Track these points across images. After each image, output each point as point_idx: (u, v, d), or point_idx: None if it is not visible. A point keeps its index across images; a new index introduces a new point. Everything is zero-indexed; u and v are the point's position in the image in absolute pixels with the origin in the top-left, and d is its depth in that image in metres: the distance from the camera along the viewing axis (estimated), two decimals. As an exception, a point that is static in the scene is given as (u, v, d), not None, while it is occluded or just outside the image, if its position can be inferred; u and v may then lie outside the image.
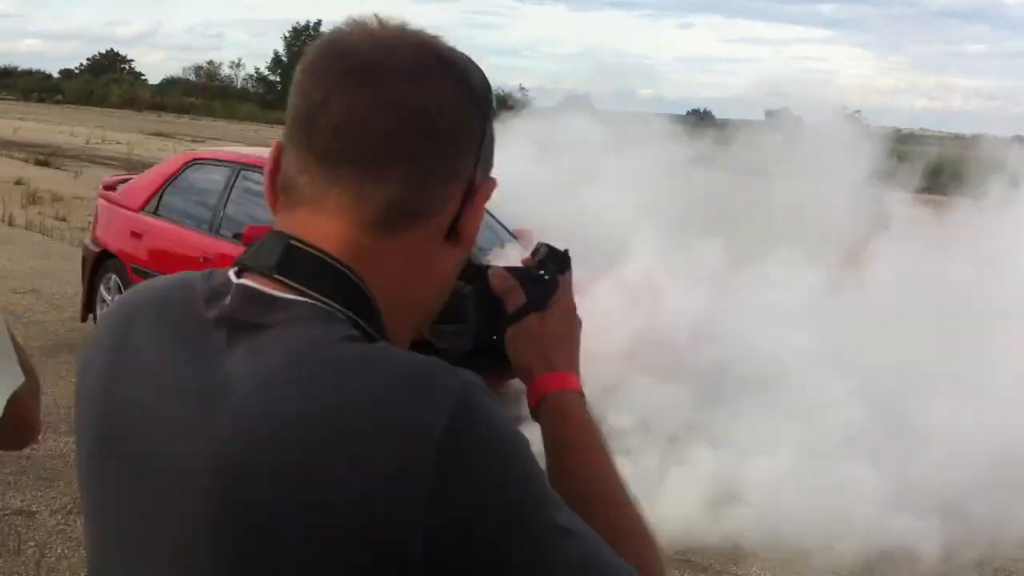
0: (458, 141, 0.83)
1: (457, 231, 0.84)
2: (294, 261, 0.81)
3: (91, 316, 6.87)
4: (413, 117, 0.81)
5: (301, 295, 0.80)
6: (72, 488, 4.53)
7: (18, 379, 1.33)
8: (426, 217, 0.82)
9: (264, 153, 6.69)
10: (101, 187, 7.34)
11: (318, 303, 0.80)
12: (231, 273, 0.84)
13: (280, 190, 0.85)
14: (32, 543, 3.98)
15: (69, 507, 4.33)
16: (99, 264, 6.75)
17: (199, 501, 0.76)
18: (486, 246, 6.07)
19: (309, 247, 0.81)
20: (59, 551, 3.94)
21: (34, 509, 4.29)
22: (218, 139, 30.98)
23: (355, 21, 0.84)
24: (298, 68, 0.85)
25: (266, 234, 0.84)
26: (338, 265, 0.81)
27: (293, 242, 0.81)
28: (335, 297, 0.80)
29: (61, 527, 4.14)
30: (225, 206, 6.00)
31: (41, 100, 56.15)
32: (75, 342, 6.85)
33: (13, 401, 1.32)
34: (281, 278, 0.81)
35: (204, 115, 52.50)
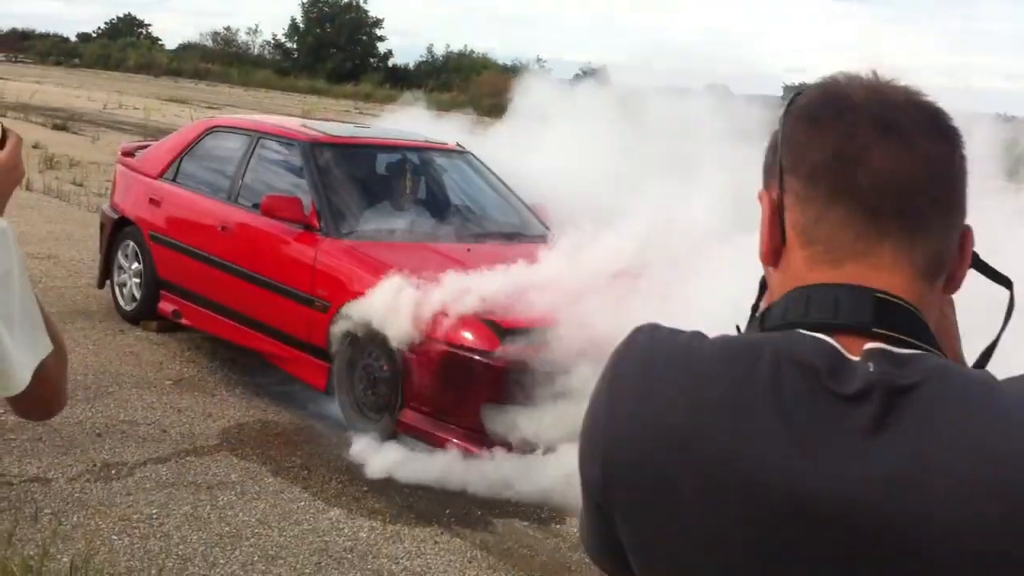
0: (964, 194, 0.87)
1: (954, 278, 0.88)
2: (890, 315, 0.82)
3: (108, 282, 6.85)
4: (944, 171, 0.85)
5: (913, 347, 0.81)
6: (88, 455, 4.52)
7: (47, 348, 1.28)
8: (947, 266, 0.86)
9: (284, 122, 6.67)
10: (119, 153, 7.29)
11: (931, 352, 0.81)
12: (827, 338, 0.81)
13: (803, 242, 0.85)
14: (48, 511, 3.97)
15: (85, 475, 4.33)
16: (117, 231, 6.72)
17: None
18: (503, 218, 6.02)
19: (898, 299, 0.82)
20: (75, 519, 3.94)
21: (50, 476, 4.28)
22: (234, 106, 30.87)
23: (850, 74, 0.87)
24: (792, 118, 0.87)
25: (818, 291, 0.84)
26: (920, 315, 0.83)
27: (879, 295, 0.82)
28: (932, 346, 0.82)
29: (78, 495, 4.13)
30: (244, 175, 5.94)
31: (58, 63, 56.08)
32: (91, 309, 6.84)
33: (41, 370, 1.28)
34: (883, 331, 0.81)
35: (221, 81, 52.33)
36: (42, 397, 1.31)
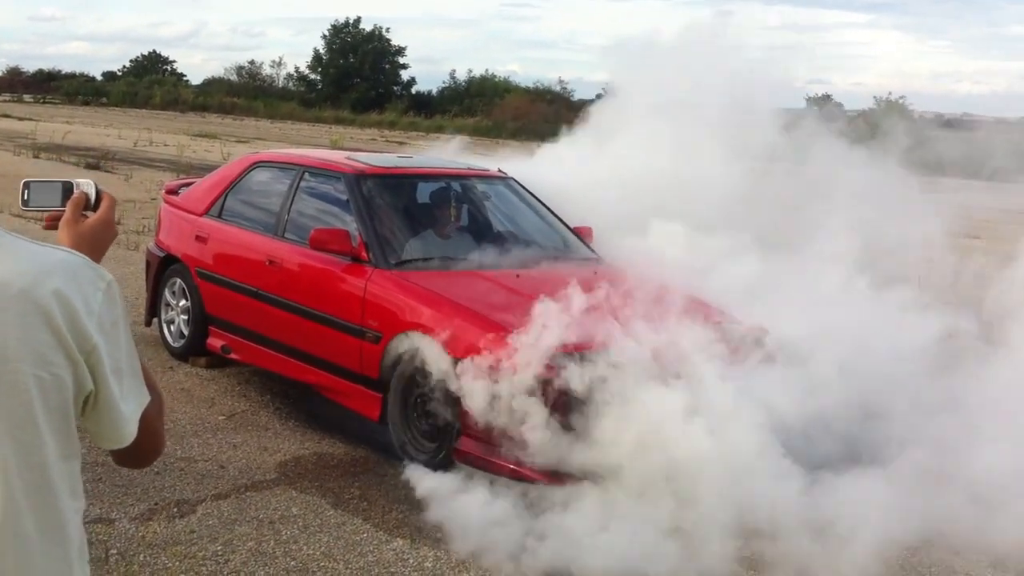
0: None
1: None
2: None
3: (155, 320, 6.91)
4: None
5: None
6: (148, 495, 4.54)
7: (146, 397, 1.33)
8: None
9: (328, 155, 6.71)
10: (163, 191, 7.37)
11: None
12: None
13: None
14: (115, 551, 3.99)
15: (147, 514, 4.34)
16: (163, 268, 6.78)
17: None
18: (548, 243, 6.02)
19: None
20: (141, 558, 3.95)
21: (113, 517, 4.30)
22: (262, 139, 31.23)
23: None
24: None
25: None
26: None
27: None
28: None
29: (142, 534, 4.15)
30: (290, 208, 5.98)
31: (86, 103, 56.97)
32: (139, 347, 6.89)
33: (143, 419, 1.32)
34: None
35: (247, 115, 52.95)
36: (144, 446, 1.34)
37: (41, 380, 1.21)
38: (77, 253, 1.27)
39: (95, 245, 1.35)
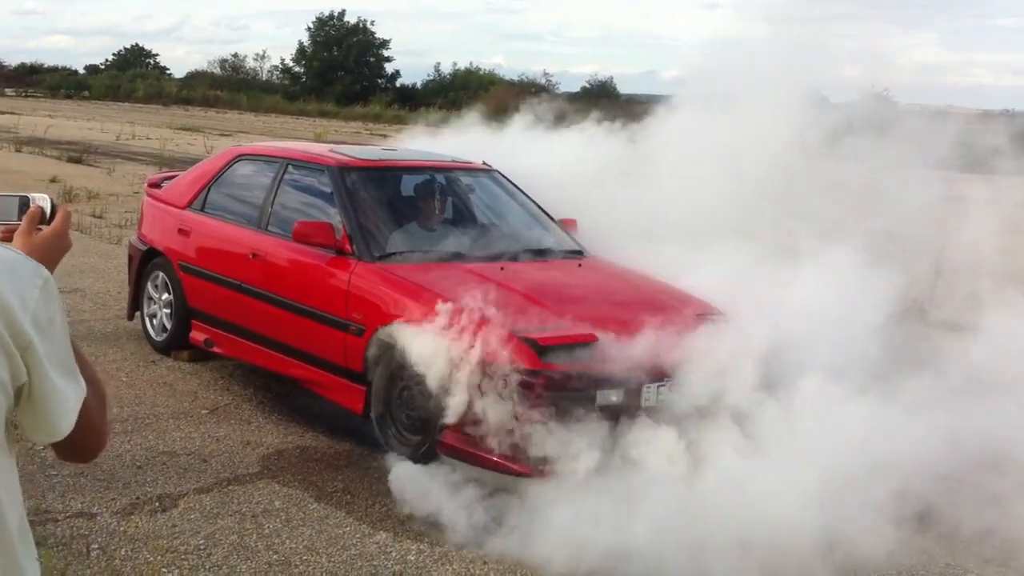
0: None
1: None
2: None
3: (137, 314, 6.87)
4: None
5: None
6: (130, 488, 4.52)
7: (83, 391, 1.34)
8: None
9: (312, 147, 6.69)
10: (146, 185, 7.32)
11: None
12: None
13: None
14: (96, 546, 3.96)
15: (129, 508, 4.32)
16: (146, 262, 6.74)
17: None
18: (533, 235, 6.02)
19: None
20: (123, 552, 3.93)
21: (95, 511, 4.28)
22: (245, 132, 31.06)
23: None
24: None
25: None
26: None
27: None
28: None
29: (124, 529, 4.12)
30: (273, 201, 5.95)
31: (69, 97, 56.51)
32: (122, 340, 6.86)
33: (81, 413, 1.33)
34: None
35: (230, 108, 52.65)
36: (84, 440, 1.36)
37: None
38: (15, 250, 1.32)
39: (47, 255, 1.40)
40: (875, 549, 4.07)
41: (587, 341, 4.53)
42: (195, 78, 65.20)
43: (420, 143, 7.91)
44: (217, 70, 66.61)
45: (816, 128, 6.83)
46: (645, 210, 6.32)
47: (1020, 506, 4.65)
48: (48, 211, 1.44)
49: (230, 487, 4.61)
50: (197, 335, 6.29)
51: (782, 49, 7.36)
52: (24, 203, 1.45)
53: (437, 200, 5.93)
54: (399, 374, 4.89)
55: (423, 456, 4.72)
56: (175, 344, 6.48)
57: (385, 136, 26.61)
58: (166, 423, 5.40)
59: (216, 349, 6.16)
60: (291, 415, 5.66)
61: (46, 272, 1.32)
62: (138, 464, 4.82)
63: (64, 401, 1.29)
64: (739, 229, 5.93)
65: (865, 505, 4.14)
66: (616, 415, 4.40)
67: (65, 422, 1.30)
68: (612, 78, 58.76)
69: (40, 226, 1.45)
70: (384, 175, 6.06)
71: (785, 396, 4.54)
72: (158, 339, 6.61)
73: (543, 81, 55.52)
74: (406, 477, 4.57)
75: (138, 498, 4.43)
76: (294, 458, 5.03)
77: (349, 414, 5.26)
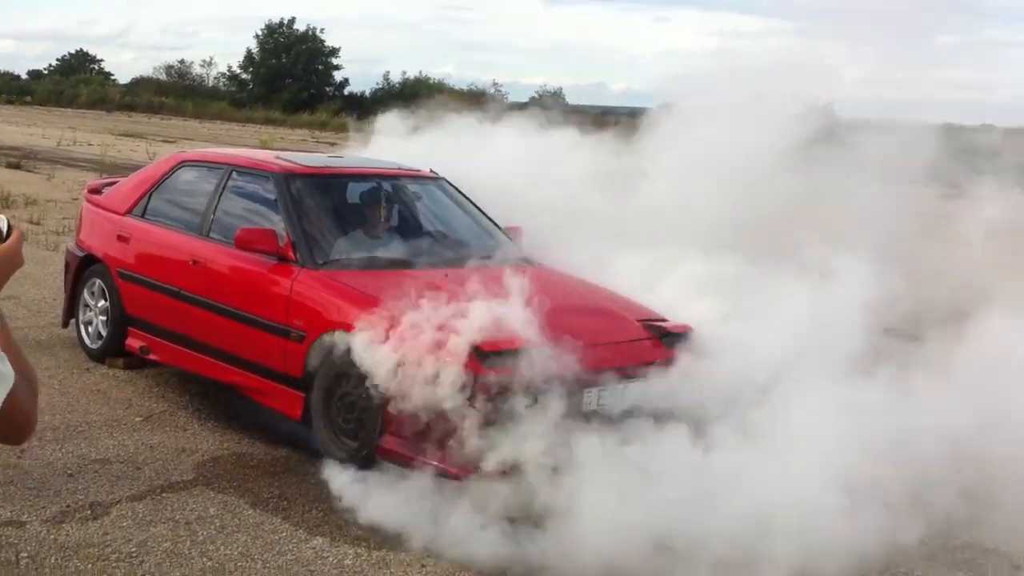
0: None
1: None
2: None
3: (72, 321, 6.74)
4: None
5: None
6: (61, 496, 4.43)
7: (11, 376, 1.40)
8: None
9: (256, 154, 6.63)
10: (86, 191, 7.20)
11: None
12: None
13: None
14: (25, 554, 3.88)
15: (60, 516, 4.24)
16: (83, 269, 6.62)
17: None
18: (478, 242, 6.03)
19: None
20: (53, 561, 3.85)
21: (24, 519, 4.18)
22: (190, 139, 30.66)
23: None
24: None
25: None
26: None
27: None
28: None
29: (54, 537, 4.04)
30: (216, 208, 5.89)
31: (10, 102, 55.27)
32: (56, 348, 6.73)
33: (8, 397, 1.40)
34: None
35: (175, 115, 51.94)
36: (12, 422, 1.43)
37: None
38: None
39: (2, 268, 1.51)
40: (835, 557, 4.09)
41: (528, 346, 4.55)
42: (140, 84, 64.19)
43: (375, 149, 7.89)
44: (163, 76, 65.69)
45: (787, 141, 6.95)
46: (616, 219, 6.38)
47: (992, 511, 4.75)
48: (4, 230, 1.56)
49: (164, 494, 4.55)
50: (133, 342, 6.19)
51: (774, 63, 7.50)
52: None
53: (383, 207, 5.93)
54: (339, 380, 4.87)
55: (362, 461, 4.70)
56: (110, 351, 6.37)
57: (333, 144, 26.50)
58: (99, 431, 5.31)
59: (152, 356, 6.07)
60: (227, 422, 5.59)
61: None
62: (69, 472, 4.73)
63: None
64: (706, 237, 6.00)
65: (823, 510, 4.16)
66: (557, 419, 4.43)
67: None
68: (561, 89, 59.05)
69: None
70: (329, 182, 6.03)
71: (738, 402, 4.59)
72: (93, 346, 6.50)
73: (492, 91, 55.65)
74: (344, 482, 4.54)
75: (69, 506, 4.35)
76: (230, 465, 4.98)
77: (286, 420, 5.22)
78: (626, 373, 4.72)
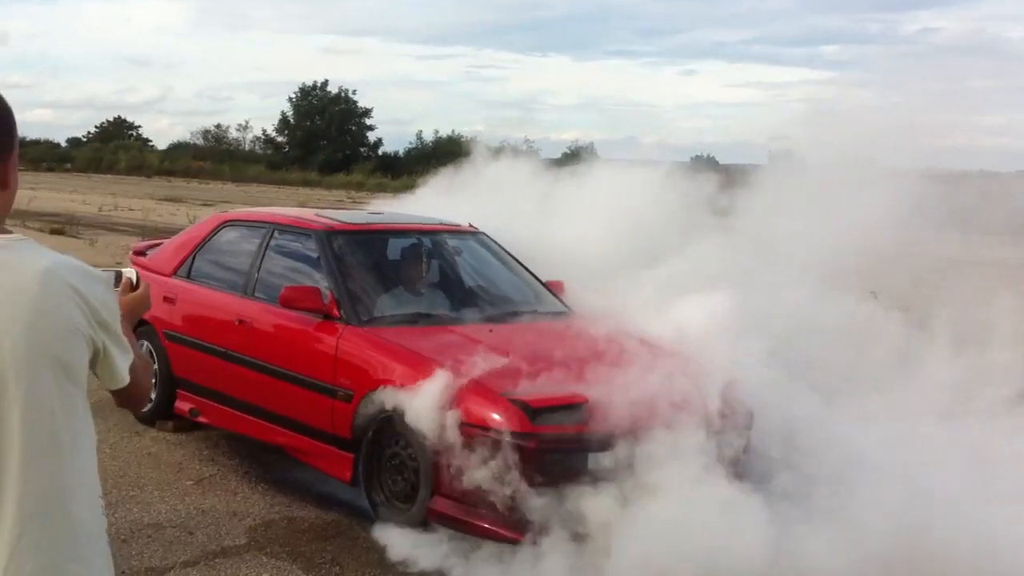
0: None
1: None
2: None
3: (121, 384, 6.76)
4: None
5: None
6: (116, 563, 4.33)
7: (131, 356, 1.86)
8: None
9: (298, 212, 6.68)
10: (131, 253, 7.29)
11: None
12: None
13: None
14: None
15: None
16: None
17: None
18: (519, 296, 6.00)
19: None
20: None
21: None
22: (228, 202, 31.10)
23: None
24: None
25: None
26: None
27: None
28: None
29: None
30: (259, 267, 5.92)
31: (51, 169, 56.60)
32: (105, 411, 6.73)
33: (132, 369, 1.85)
34: None
35: (213, 179, 52.87)
36: (135, 389, 1.90)
37: (78, 334, 1.75)
38: (79, 260, 1.81)
39: (134, 310, 2.07)
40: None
41: (578, 402, 4.49)
42: (177, 149, 65.57)
43: (419, 205, 7.87)
44: (200, 141, 67.05)
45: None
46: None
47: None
48: (135, 280, 2.12)
49: (217, 559, 4.50)
50: (182, 404, 6.20)
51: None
52: (119, 275, 2.07)
53: (424, 263, 5.93)
54: (388, 440, 4.82)
55: (414, 523, 4.63)
56: (160, 414, 6.39)
57: (367, 203, 26.77)
58: (151, 495, 5.29)
59: (201, 418, 6.08)
60: (278, 485, 5.56)
61: (104, 274, 1.85)
62: (123, 537, 4.70)
63: (123, 361, 1.82)
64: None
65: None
66: (608, 477, 4.34)
67: (124, 375, 1.83)
68: (593, 143, 59.37)
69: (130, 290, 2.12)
70: (371, 239, 6.06)
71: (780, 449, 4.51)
72: (142, 409, 6.51)
73: (524, 147, 56.10)
74: (398, 544, 4.47)
75: (123, 572, 4.31)
76: (281, 529, 4.93)
77: (337, 483, 5.17)
78: (676, 426, 4.62)
